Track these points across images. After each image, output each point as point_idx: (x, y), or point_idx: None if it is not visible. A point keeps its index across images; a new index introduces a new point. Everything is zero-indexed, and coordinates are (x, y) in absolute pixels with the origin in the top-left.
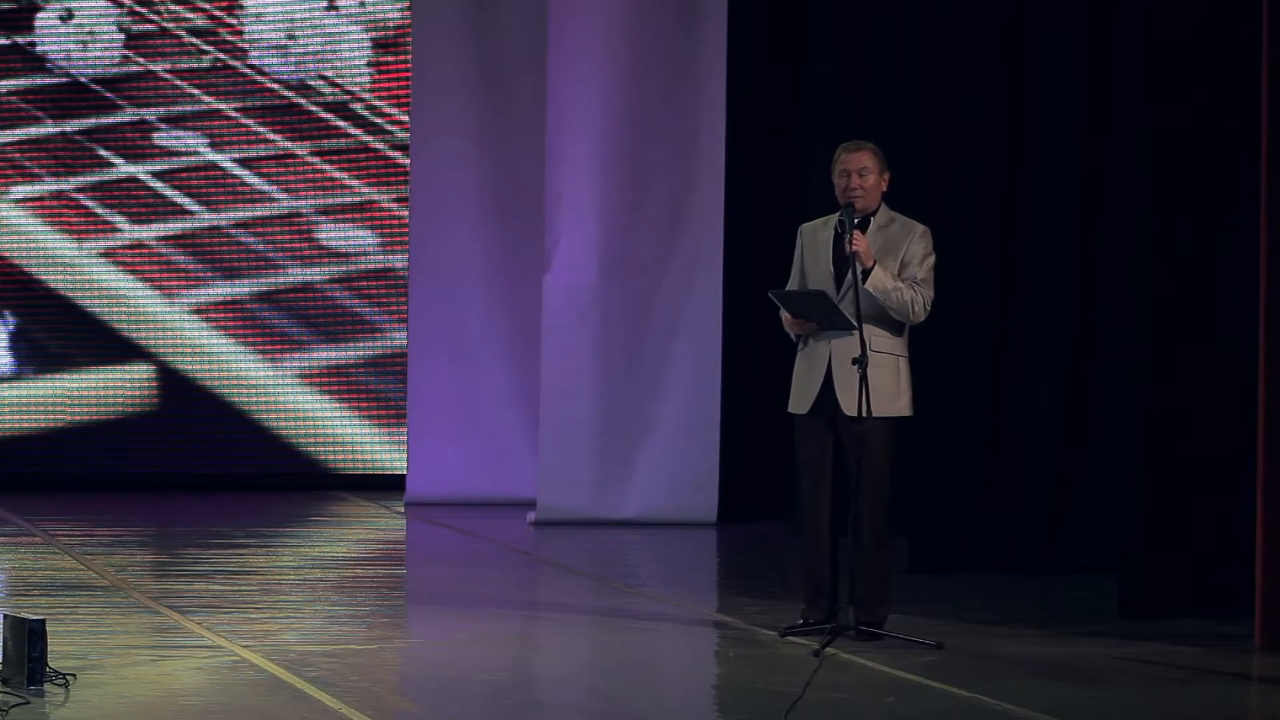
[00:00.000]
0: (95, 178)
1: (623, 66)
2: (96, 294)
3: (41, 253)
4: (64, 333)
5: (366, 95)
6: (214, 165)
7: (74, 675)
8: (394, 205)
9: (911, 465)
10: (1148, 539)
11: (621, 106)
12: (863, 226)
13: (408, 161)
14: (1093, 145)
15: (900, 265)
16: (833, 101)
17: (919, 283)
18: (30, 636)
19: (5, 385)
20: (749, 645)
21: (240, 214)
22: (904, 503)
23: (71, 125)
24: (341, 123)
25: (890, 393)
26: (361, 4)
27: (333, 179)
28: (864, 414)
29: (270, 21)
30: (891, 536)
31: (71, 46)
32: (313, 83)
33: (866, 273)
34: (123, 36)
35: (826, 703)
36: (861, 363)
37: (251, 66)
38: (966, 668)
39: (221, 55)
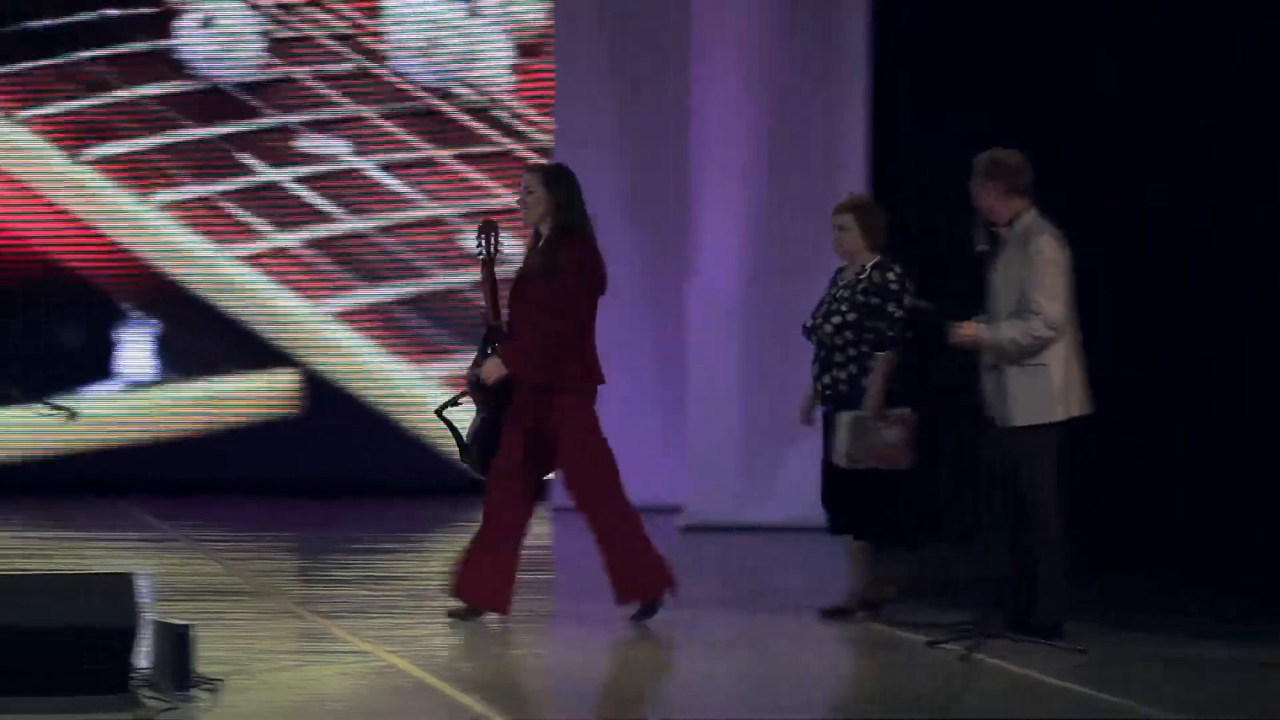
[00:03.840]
0: (238, 183)
1: (765, 74)
2: (240, 299)
3: (185, 258)
4: (209, 338)
5: (509, 100)
6: (356, 171)
7: (221, 681)
8: None
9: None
10: None
11: (764, 115)
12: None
13: None
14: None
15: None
16: (969, 110)
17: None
18: (178, 642)
19: (151, 390)
20: (895, 650)
21: (383, 219)
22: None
23: (213, 131)
24: (484, 128)
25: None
26: (503, 10)
27: (475, 184)
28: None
29: (412, 27)
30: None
31: (213, 52)
32: (454, 88)
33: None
34: (264, 42)
35: (973, 708)
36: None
37: (394, 72)
38: (1112, 672)
39: (363, 61)
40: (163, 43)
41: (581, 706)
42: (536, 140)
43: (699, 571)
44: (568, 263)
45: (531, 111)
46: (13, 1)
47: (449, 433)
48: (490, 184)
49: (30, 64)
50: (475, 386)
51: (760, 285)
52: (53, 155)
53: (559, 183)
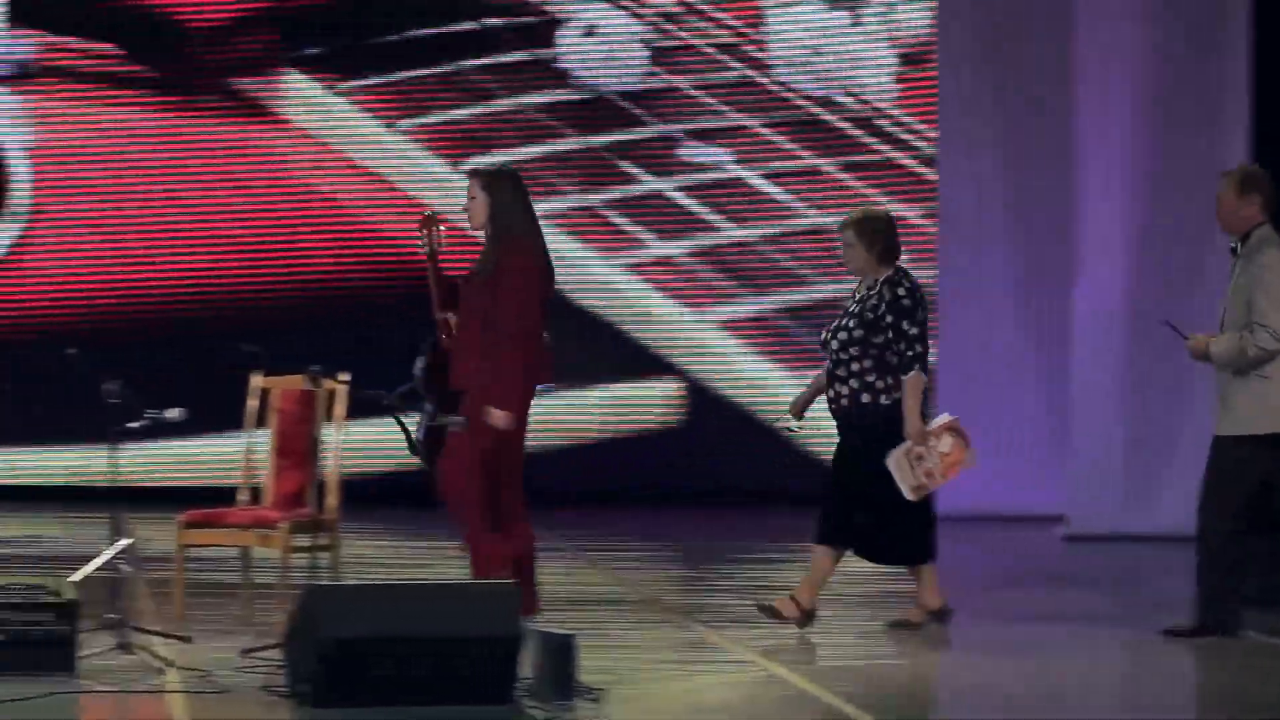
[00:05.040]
0: (620, 192)
1: (1147, 85)
2: (623, 309)
3: (567, 267)
4: (592, 347)
5: (891, 109)
6: (739, 180)
7: (604, 690)
8: (921, 220)
9: None
10: None
11: (1147, 124)
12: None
13: (934, 176)
14: None
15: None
16: None
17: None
18: (561, 651)
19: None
20: (1244, 656)
21: (766, 229)
22: None
23: (596, 140)
24: (867, 137)
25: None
26: (885, 19)
27: (859, 194)
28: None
29: (794, 36)
30: None
31: (595, 61)
32: (837, 97)
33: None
34: (646, 51)
35: None
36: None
37: (776, 81)
38: None
39: (746, 70)
40: (544, 52)
41: (962, 714)
42: (919, 149)
43: (1081, 582)
44: (506, 267)
45: (914, 120)
46: (394, 11)
47: (400, 429)
48: (873, 193)
49: (411, 73)
50: (424, 386)
51: (1145, 293)
52: (434, 164)
53: (498, 186)
